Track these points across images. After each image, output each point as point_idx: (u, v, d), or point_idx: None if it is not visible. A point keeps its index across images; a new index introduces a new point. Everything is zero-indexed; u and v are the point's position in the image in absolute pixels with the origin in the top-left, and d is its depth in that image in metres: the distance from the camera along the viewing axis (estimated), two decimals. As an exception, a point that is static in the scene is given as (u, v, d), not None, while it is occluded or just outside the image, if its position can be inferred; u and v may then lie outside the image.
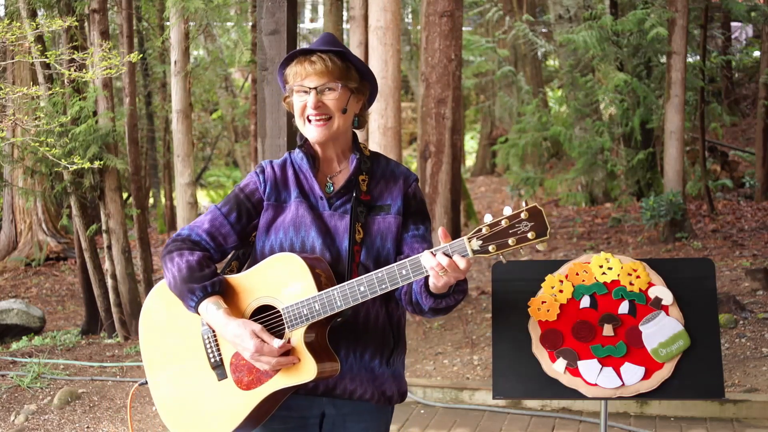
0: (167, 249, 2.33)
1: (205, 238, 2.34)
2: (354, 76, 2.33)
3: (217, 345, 2.27)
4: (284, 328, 2.21)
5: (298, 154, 2.38)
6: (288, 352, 2.18)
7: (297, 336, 2.18)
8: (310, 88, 2.27)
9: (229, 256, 2.45)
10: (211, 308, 2.22)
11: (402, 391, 2.43)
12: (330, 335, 2.25)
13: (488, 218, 2.05)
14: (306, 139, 2.37)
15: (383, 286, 2.13)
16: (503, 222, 2.04)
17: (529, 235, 2.02)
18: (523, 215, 2.02)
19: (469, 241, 2.06)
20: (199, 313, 2.25)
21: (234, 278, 2.28)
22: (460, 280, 2.15)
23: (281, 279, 2.21)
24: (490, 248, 2.04)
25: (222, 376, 2.26)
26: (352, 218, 2.28)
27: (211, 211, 2.38)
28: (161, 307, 2.36)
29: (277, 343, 2.15)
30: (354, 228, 2.28)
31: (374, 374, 2.33)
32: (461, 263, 2.06)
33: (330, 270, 2.24)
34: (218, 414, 2.26)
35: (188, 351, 2.31)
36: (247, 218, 2.36)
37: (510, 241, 2.03)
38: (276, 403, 2.26)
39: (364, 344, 2.30)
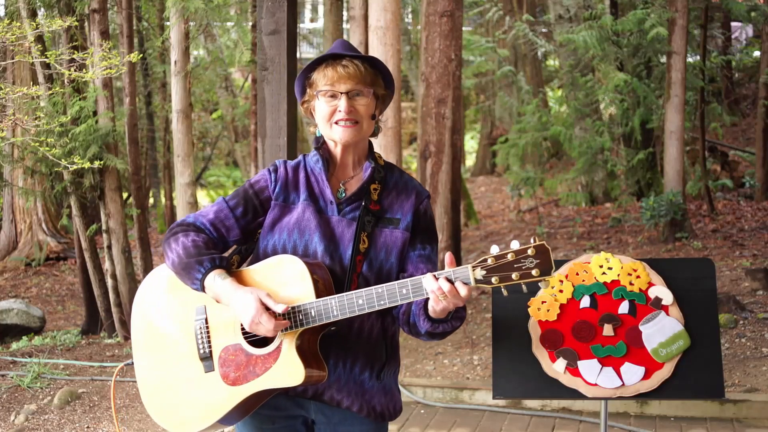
0: (171, 231, 2.32)
1: (209, 227, 2.33)
2: (381, 84, 2.34)
3: (209, 337, 2.27)
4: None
5: (313, 157, 2.36)
6: (287, 315, 2.18)
7: (289, 339, 2.19)
8: (341, 93, 2.26)
9: (231, 250, 2.43)
10: (218, 279, 2.21)
11: (395, 408, 2.41)
12: (321, 342, 2.24)
13: (495, 250, 2.06)
14: (323, 142, 2.36)
15: (381, 302, 2.13)
16: (509, 255, 2.05)
17: (534, 272, 2.04)
18: (530, 251, 2.04)
19: (473, 270, 2.06)
20: (204, 287, 2.23)
21: (236, 272, 2.29)
22: (459, 307, 2.15)
23: (281, 281, 2.21)
24: (493, 280, 2.05)
25: (209, 368, 2.27)
26: (358, 227, 2.27)
27: (218, 202, 2.38)
28: (157, 292, 2.36)
29: (280, 308, 2.14)
30: (359, 237, 2.27)
31: (363, 387, 2.31)
32: (462, 290, 2.06)
33: (329, 277, 2.24)
34: (200, 405, 2.27)
35: (178, 338, 2.31)
36: (253, 214, 2.35)
37: (514, 275, 2.05)
38: (259, 401, 2.26)
39: (354, 356, 2.29)
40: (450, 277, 2.07)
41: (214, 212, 2.35)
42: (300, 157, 2.42)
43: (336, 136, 2.29)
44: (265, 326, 2.14)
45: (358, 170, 2.37)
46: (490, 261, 2.06)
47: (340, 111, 2.26)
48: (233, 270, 2.29)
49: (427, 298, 2.13)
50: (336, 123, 2.27)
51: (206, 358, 2.27)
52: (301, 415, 2.35)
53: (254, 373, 2.21)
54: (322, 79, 2.28)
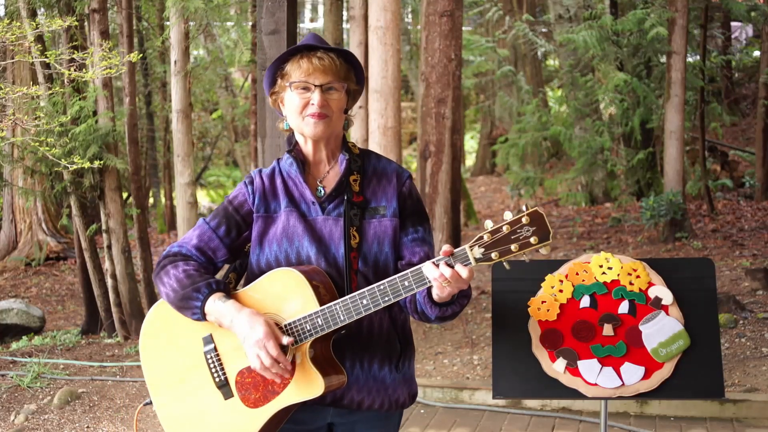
0: (160, 266, 2.28)
1: (195, 253, 2.28)
2: (353, 79, 2.30)
3: (221, 364, 2.24)
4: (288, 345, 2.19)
5: (286, 161, 2.31)
6: (291, 332, 2.16)
7: (301, 351, 2.16)
8: (315, 85, 2.21)
9: (226, 269, 2.40)
10: (218, 302, 2.17)
11: (412, 393, 2.39)
12: (335, 346, 2.21)
13: (489, 224, 2.02)
14: (295, 144, 2.31)
15: (386, 299, 2.10)
16: (504, 228, 2.00)
17: (532, 240, 1.99)
18: (524, 220, 1.99)
19: (471, 249, 2.03)
20: (204, 314, 2.19)
21: (234, 294, 2.25)
22: None
23: (281, 295, 2.17)
24: (493, 255, 2.01)
25: (228, 395, 2.23)
26: (345, 223, 2.23)
27: (199, 225, 2.33)
28: (161, 327, 2.33)
29: (285, 340, 2.11)
30: (348, 233, 2.23)
31: (385, 383, 2.28)
32: (464, 273, 2.03)
33: (328, 280, 2.20)
34: None
35: (192, 371, 2.28)
36: (237, 231, 2.30)
37: (513, 247, 2.00)
38: (284, 417, 2.24)
39: (371, 354, 2.26)
40: (449, 262, 2.04)
41: (197, 236, 2.30)
42: (274, 162, 2.36)
43: (306, 130, 2.25)
44: (269, 353, 2.10)
45: (333, 164, 2.32)
46: (486, 237, 2.01)
47: (312, 104, 2.21)
48: (232, 292, 2.25)
49: (430, 286, 2.10)
50: (307, 116, 2.23)
51: (223, 385, 2.24)
52: (322, 426, 2.32)
53: (274, 391, 2.18)
54: (296, 70, 2.23)
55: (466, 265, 2.03)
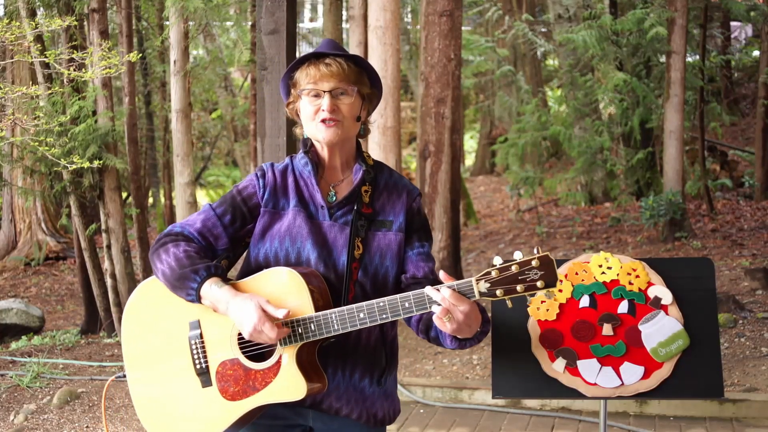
0: (160, 242, 2.26)
1: (197, 237, 2.27)
2: (366, 82, 2.29)
3: (204, 351, 2.23)
4: (276, 344, 2.17)
5: (301, 160, 2.31)
6: (286, 324, 2.15)
7: (289, 353, 2.16)
8: (324, 91, 2.21)
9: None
10: (215, 287, 2.15)
11: (395, 411, 2.38)
12: (318, 350, 2.21)
13: (498, 261, 2.03)
14: (311, 145, 2.31)
15: (384, 316, 2.10)
16: (513, 267, 2.01)
17: (538, 283, 2.00)
18: (534, 263, 2.00)
19: (477, 283, 2.04)
20: (200, 297, 2.17)
21: (231, 283, 2.23)
22: (482, 311, 2.12)
23: (278, 294, 2.16)
24: (498, 292, 2.02)
25: (206, 383, 2.22)
26: (351, 233, 2.23)
27: (204, 210, 2.31)
28: (148, 304, 2.31)
29: (281, 312, 2.10)
30: (353, 243, 2.23)
31: (364, 394, 2.28)
32: (465, 307, 2.04)
33: (324, 285, 2.20)
34: (199, 421, 2.23)
35: (173, 353, 2.26)
36: (242, 222, 2.29)
37: (518, 287, 2.01)
38: (257, 414, 2.24)
39: (353, 363, 2.25)
40: (453, 288, 2.05)
41: (201, 221, 2.28)
42: (287, 159, 2.35)
43: (320, 135, 2.24)
44: (267, 335, 2.09)
45: (348, 173, 2.32)
46: (494, 273, 2.02)
47: (323, 110, 2.21)
48: (230, 282, 2.23)
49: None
50: (318, 122, 2.23)
51: (203, 372, 2.22)
52: (300, 424, 2.32)
53: (254, 388, 2.18)
54: (304, 78, 2.23)
55: (470, 298, 2.04)
